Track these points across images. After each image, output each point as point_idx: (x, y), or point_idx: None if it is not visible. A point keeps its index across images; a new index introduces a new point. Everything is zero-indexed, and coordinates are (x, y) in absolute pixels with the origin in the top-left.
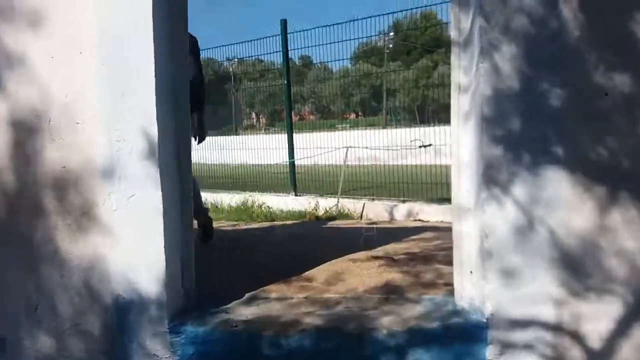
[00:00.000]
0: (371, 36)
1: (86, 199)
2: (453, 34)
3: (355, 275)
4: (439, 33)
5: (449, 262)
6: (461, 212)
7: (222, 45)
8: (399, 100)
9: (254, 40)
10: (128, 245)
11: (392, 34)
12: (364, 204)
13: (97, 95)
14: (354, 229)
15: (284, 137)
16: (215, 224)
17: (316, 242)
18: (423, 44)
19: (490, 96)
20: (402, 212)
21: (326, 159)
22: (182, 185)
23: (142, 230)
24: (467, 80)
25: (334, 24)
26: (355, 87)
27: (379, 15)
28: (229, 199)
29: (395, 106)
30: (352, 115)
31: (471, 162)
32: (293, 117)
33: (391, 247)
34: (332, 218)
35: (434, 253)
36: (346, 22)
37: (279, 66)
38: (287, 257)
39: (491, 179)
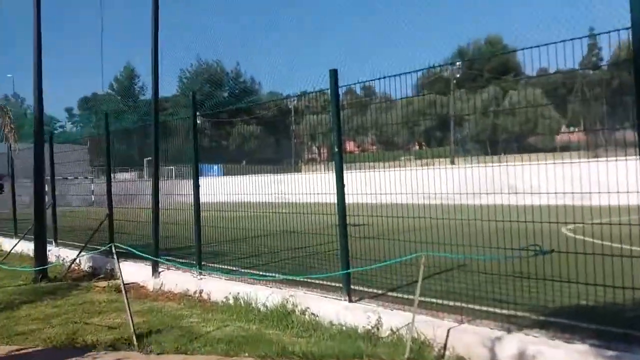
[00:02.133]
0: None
1: None
2: None
3: None
4: (506, 58)
5: None
6: None
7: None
8: (468, 129)
9: (306, 93)
10: None
11: (458, 63)
12: (449, 329)
13: None
14: None
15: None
16: None
17: None
18: (489, 70)
19: None
20: (510, 351)
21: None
22: None
23: None
24: None
25: (388, 76)
26: (419, 116)
27: (441, 66)
28: (264, 297)
29: (463, 136)
30: (416, 147)
31: None
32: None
33: None
34: (401, 353)
35: None
36: (399, 75)
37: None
38: None
39: None
